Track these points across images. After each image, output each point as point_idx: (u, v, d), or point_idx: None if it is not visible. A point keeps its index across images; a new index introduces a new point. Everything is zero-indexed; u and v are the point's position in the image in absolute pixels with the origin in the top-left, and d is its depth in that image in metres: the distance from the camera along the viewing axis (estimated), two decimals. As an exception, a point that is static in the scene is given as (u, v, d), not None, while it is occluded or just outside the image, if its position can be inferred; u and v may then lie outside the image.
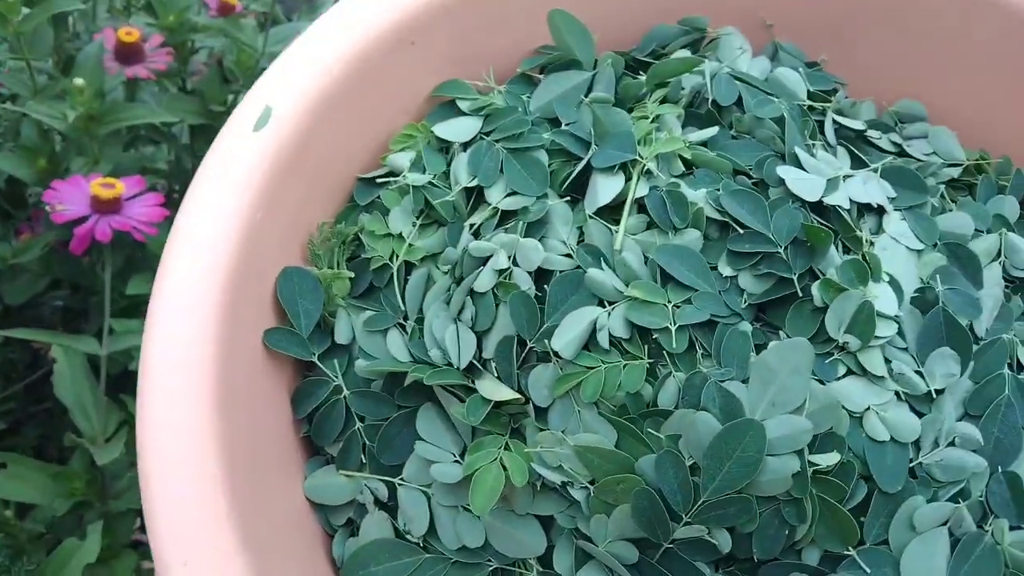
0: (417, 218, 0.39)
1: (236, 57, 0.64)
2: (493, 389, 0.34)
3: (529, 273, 0.35)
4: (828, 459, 0.32)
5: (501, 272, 0.35)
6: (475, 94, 0.42)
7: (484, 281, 0.35)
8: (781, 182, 0.38)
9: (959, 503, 0.33)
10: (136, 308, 0.59)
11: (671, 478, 0.31)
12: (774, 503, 0.32)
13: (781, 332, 0.35)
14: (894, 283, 0.36)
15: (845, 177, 0.39)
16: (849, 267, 0.35)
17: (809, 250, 0.36)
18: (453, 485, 0.34)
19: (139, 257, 0.58)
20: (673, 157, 0.38)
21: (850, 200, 0.38)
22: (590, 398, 0.33)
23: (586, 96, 0.41)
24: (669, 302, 0.34)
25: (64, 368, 0.53)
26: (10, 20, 0.53)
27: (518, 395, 0.34)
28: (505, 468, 0.33)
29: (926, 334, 0.35)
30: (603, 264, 0.36)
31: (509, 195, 0.38)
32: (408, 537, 0.35)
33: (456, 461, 0.35)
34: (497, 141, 0.39)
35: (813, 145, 0.41)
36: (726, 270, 0.36)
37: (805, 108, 0.43)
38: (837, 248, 0.37)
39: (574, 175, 0.38)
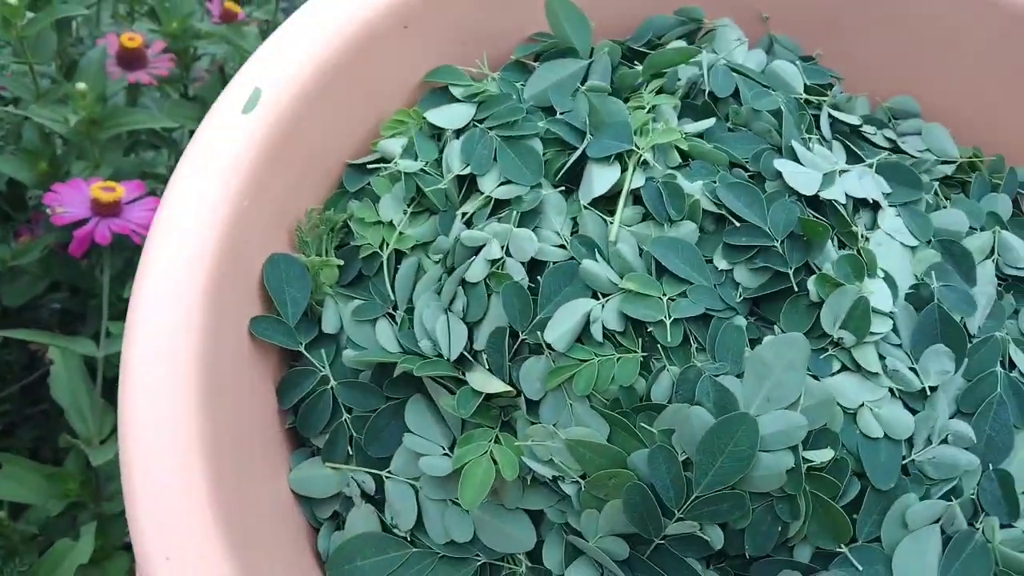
0: (408, 206, 0.39)
1: (238, 64, 0.64)
2: (484, 381, 0.33)
3: (522, 264, 0.35)
4: (822, 455, 0.32)
5: (494, 262, 0.35)
6: (468, 80, 0.41)
7: (476, 271, 0.35)
8: (778, 175, 0.37)
9: (951, 501, 0.33)
10: (134, 311, 0.59)
11: (664, 473, 0.31)
12: (767, 499, 0.31)
13: (776, 327, 0.35)
14: (889, 279, 0.36)
15: (841, 172, 0.39)
16: (845, 262, 0.35)
17: (805, 244, 0.35)
18: (442, 478, 0.34)
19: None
20: (670, 148, 0.38)
21: (846, 195, 0.38)
22: (583, 391, 0.32)
23: (582, 84, 0.40)
24: (664, 295, 0.34)
25: (61, 370, 0.53)
26: (14, 24, 0.53)
27: (509, 387, 0.33)
28: (495, 461, 0.32)
29: (921, 331, 0.35)
30: (597, 255, 0.35)
31: (502, 184, 0.37)
32: (395, 531, 0.34)
33: (445, 454, 0.34)
34: (491, 129, 0.39)
35: (809, 139, 0.41)
36: (722, 263, 0.35)
37: (802, 102, 0.42)
38: (833, 243, 0.36)
39: (569, 164, 0.37)
